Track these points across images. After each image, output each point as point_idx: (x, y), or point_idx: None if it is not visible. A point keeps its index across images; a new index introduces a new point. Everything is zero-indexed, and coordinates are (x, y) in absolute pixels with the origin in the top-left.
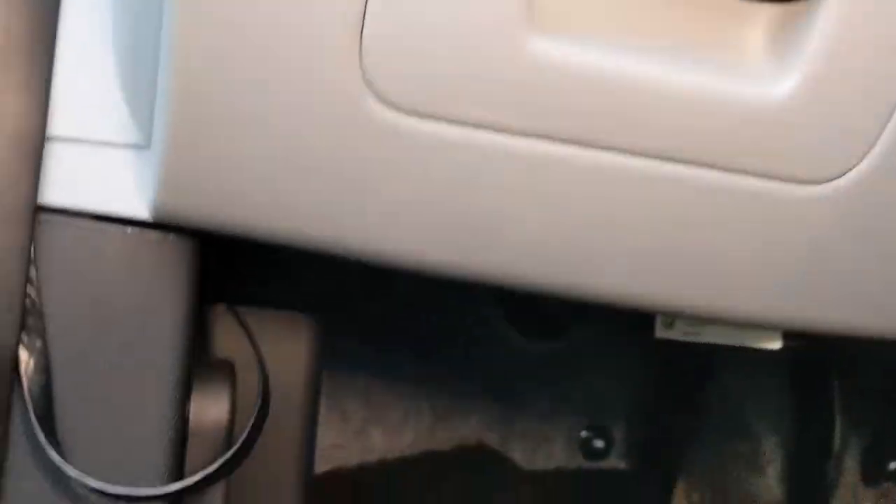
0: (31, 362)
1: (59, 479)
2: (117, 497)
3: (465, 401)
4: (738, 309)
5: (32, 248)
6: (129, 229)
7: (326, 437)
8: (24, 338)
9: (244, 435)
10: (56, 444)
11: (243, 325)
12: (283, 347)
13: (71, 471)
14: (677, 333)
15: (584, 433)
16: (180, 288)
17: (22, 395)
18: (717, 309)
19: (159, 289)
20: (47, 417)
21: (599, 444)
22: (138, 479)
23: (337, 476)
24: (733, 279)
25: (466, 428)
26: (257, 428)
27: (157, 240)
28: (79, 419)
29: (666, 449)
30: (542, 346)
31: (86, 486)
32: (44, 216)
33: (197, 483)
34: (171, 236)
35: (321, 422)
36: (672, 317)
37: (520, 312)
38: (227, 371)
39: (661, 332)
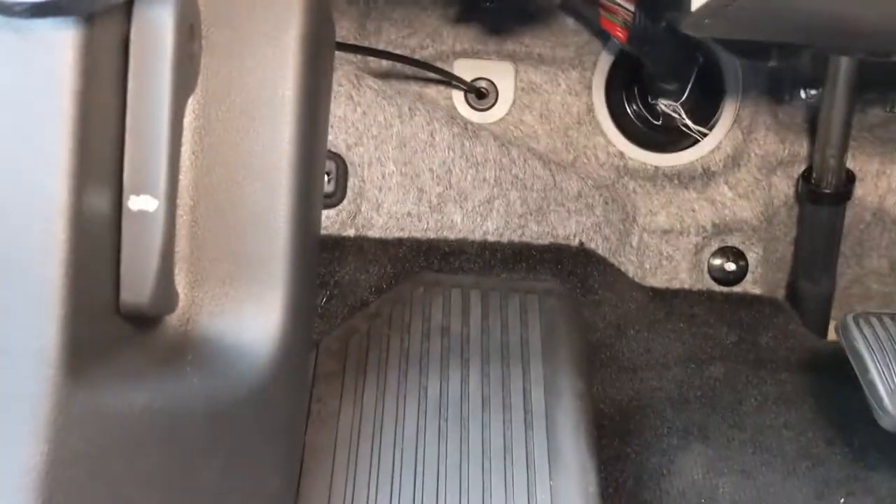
0: None
1: None
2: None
3: (567, 201)
4: None
5: None
6: None
7: (403, 205)
8: None
9: None
10: None
11: None
12: None
13: None
14: None
15: (713, 258)
16: None
17: None
18: None
19: None
20: None
21: (731, 267)
22: None
23: (411, 245)
24: None
25: (564, 229)
26: None
27: None
28: None
29: (811, 278)
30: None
31: None
32: None
33: None
34: None
35: (396, 190)
36: None
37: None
38: None
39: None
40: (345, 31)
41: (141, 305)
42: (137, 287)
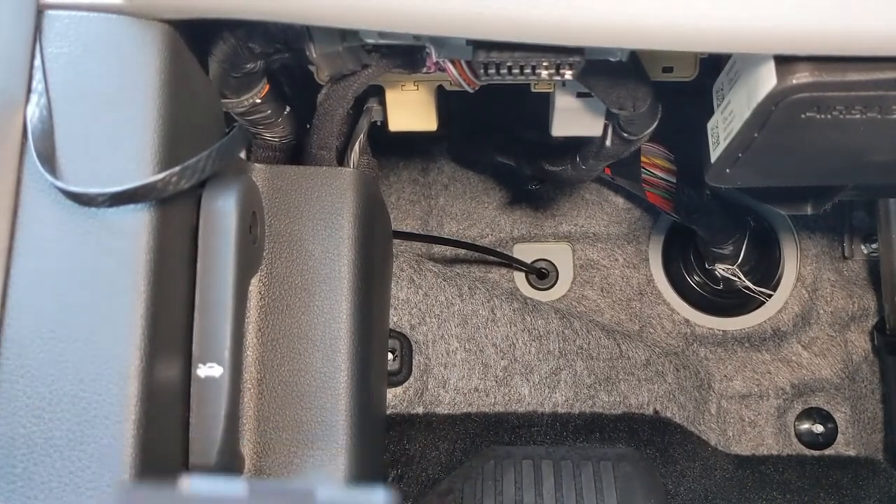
0: (36, 113)
1: (49, 195)
2: (86, 197)
3: (636, 370)
4: None
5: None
6: (112, 16)
7: (469, 380)
8: (32, 97)
9: None
10: (51, 171)
11: None
12: None
13: (56, 182)
14: None
15: (799, 421)
16: (155, 66)
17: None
18: None
19: (136, 65)
20: (48, 154)
21: (819, 429)
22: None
23: (479, 420)
24: None
25: (636, 397)
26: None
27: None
28: (73, 149)
29: None
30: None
31: (67, 192)
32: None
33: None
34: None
35: (461, 366)
36: None
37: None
38: None
39: None
40: (409, 228)
41: (208, 467)
42: (205, 449)
